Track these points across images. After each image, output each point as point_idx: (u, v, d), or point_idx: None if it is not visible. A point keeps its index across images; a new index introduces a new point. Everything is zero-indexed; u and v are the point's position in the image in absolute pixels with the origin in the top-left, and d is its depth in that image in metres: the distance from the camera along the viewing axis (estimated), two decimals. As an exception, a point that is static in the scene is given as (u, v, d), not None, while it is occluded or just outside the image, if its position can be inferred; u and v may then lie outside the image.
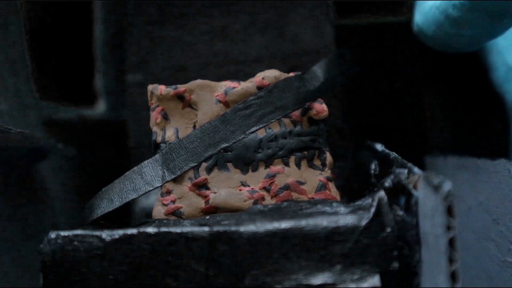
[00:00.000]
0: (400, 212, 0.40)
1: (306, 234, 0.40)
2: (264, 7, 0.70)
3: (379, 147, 0.53)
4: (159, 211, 0.50)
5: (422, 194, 0.37)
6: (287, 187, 0.48)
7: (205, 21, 0.70)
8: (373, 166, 0.53)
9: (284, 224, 0.40)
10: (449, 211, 0.34)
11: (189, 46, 0.70)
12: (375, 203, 0.40)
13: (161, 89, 0.52)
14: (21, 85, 0.66)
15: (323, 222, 0.40)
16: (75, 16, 0.88)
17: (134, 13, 0.70)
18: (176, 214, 0.49)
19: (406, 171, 0.41)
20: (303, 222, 0.40)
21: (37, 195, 0.64)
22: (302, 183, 0.49)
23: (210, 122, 0.49)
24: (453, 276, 0.33)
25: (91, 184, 0.57)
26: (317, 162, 0.50)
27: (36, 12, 0.84)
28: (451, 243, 0.33)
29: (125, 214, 0.63)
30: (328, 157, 0.51)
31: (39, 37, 0.80)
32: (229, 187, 0.49)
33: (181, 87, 0.51)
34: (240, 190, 0.48)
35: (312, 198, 0.49)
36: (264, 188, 0.48)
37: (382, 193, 0.41)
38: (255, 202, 0.48)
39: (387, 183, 0.41)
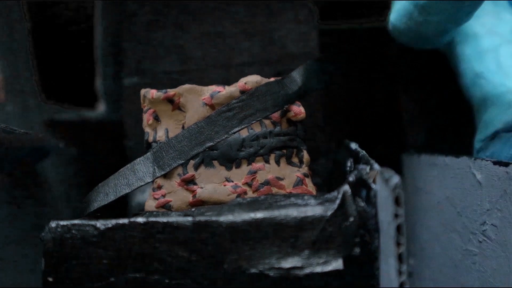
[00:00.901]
0: (362, 204, 0.43)
1: (278, 223, 0.44)
2: (252, 14, 0.72)
3: (353, 146, 0.56)
4: (150, 205, 0.53)
5: (378, 187, 0.41)
6: (267, 183, 0.52)
7: (197, 28, 0.72)
8: (348, 164, 0.57)
9: (259, 214, 0.44)
10: (397, 201, 0.38)
11: (182, 51, 0.72)
12: (340, 196, 0.44)
13: (153, 93, 0.54)
14: (25, 88, 0.70)
15: (294, 212, 0.44)
16: (77, 22, 0.92)
17: (131, 19, 0.72)
18: (166, 207, 0.52)
19: (368, 167, 0.45)
20: (275, 213, 0.44)
21: (40, 192, 0.67)
22: (281, 179, 0.53)
23: (196, 123, 0.52)
24: (400, 258, 0.38)
25: (91, 181, 0.59)
26: (295, 160, 0.54)
27: (40, 17, 0.88)
28: (398, 229, 0.38)
29: (122, 209, 0.66)
30: (305, 155, 0.55)
31: (42, 41, 0.84)
32: (214, 183, 0.52)
33: (171, 91, 0.54)
34: (225, 185, 0.52)
35: (290, 192, 0.52)
36: (247, 184, 0.52)
37: (346, 187, 0.45)
38: (238, 196, 0.51)
39: (351, 177, 0.45)
